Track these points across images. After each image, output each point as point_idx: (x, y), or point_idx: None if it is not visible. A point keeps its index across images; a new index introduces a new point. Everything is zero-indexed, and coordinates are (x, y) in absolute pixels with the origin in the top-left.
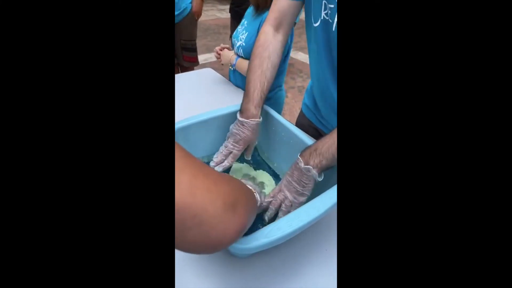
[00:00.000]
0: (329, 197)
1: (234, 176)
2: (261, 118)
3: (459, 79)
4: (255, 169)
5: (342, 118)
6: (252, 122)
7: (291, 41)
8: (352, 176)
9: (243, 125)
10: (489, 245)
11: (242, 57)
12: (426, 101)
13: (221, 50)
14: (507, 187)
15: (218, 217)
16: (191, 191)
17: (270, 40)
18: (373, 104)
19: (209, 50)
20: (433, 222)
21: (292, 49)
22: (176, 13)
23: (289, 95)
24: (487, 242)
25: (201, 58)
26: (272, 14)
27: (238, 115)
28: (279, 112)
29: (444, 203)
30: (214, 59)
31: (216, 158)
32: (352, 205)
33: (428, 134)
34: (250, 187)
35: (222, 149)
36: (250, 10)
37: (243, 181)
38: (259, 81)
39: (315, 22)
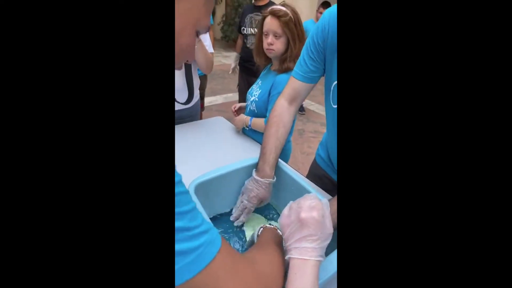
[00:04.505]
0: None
1: (252, 227)
2: (274, 178)
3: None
4: (267, 218)
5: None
6: (266, 181)
7: None
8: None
9: (258, 183)
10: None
11: (254, 110)
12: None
13: (235, 111)
14: (506, 187)
15: None
16: None
17: (284, 111)
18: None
19: (214, 93)
20: (433, 230)
21: None
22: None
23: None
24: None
25: (207, 100)
26: (288, 90)
27: (254, 173)
28: (287, 160)
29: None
30: (219, 101)
31: (235, 212)
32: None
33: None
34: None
35: (239, 203)
36: (264, 73)
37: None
38: (274, 146)
39: (334, 104)
